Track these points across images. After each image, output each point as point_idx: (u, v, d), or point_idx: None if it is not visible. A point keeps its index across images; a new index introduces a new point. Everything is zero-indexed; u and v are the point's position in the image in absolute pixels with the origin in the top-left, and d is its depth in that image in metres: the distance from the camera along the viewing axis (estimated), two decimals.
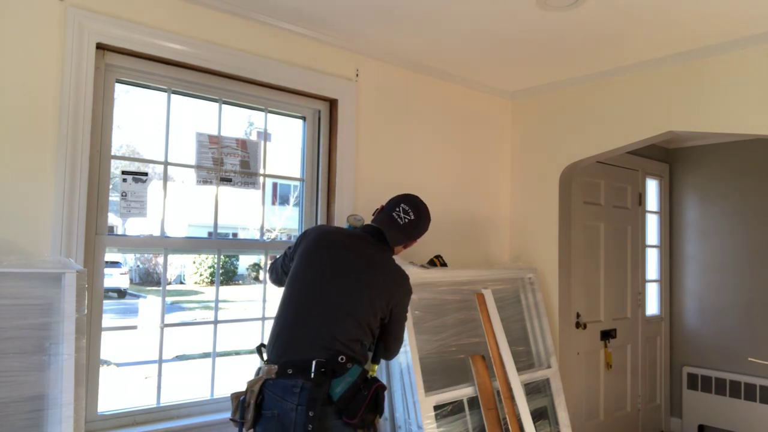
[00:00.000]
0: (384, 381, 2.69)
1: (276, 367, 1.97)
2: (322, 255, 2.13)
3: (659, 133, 3.16)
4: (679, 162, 4.87)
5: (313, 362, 1.93)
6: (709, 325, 4.60)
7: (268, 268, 2.48)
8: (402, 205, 2.25)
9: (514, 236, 3.83)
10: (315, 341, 1.99)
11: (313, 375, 1.91)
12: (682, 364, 4.75)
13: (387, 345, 2.22)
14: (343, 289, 2.06)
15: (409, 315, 2.69)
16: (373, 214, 2.33)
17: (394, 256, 2.27)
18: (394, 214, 2.23)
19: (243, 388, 2.06)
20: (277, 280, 2.37)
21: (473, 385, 2.86)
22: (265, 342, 2.14)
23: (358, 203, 3.05)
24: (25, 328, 1.85)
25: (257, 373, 2.07)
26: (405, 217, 2.22)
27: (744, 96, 2.84)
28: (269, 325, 2.96)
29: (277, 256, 2.42)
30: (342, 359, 1.97)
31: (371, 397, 1.96)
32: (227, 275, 17.84)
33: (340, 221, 2.95)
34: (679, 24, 2.69)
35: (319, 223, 2.99)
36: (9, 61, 2.05)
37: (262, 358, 2.10)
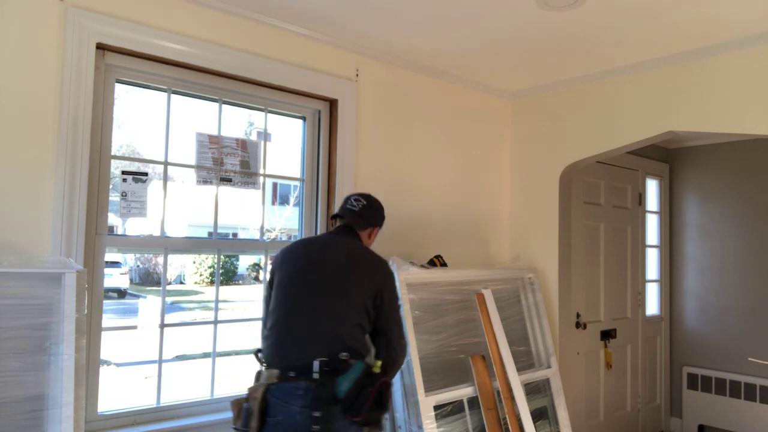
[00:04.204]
0: None
1: (277, 371, 1.95)
2: (299, 258, 2.15)
3: (659, 133, 3.16)
4: (679, 162, 4.87)
5: (315, 362, 1.91)
6: (709, 325, 4.60)
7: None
8: (350, 198, 2.36)
9: (514, 236, 3.83)
10: (315, 340, 1.97)
11: (317, 375, 1.89)
12: (682, 364, 4.75)
13: (388, 338, 2.13)
14: (332, 280, 2.07)
15: (408, 313, 2.70)
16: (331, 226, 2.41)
17: None
18: (347, 206, 2.33)
19: (241, 392, 2.04)
20: (264, 317, 2.27)
21: (473, 385, 2.86)
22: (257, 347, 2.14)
23: None
24: (25, 328, 1.85)
25: (257, 379, 2.05)
26: (357, 204, 2.32)
27: (744, 96, 2.84)
28: None
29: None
30: (344, 356, 1.94)
31: (375, 393, 1.92)
32: (227, 275, 17.85)
33: None
34: (679, 24, 2.69)
35: (318, 222, 2.99)
36: (9, 60, 2.06)
37: (261, 363, 2.06)
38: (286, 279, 2.11)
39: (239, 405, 1.99)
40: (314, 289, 2.05)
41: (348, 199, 2.36)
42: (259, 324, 2.85)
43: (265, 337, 2.09)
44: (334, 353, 1.94)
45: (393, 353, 2.14)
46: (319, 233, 2.99)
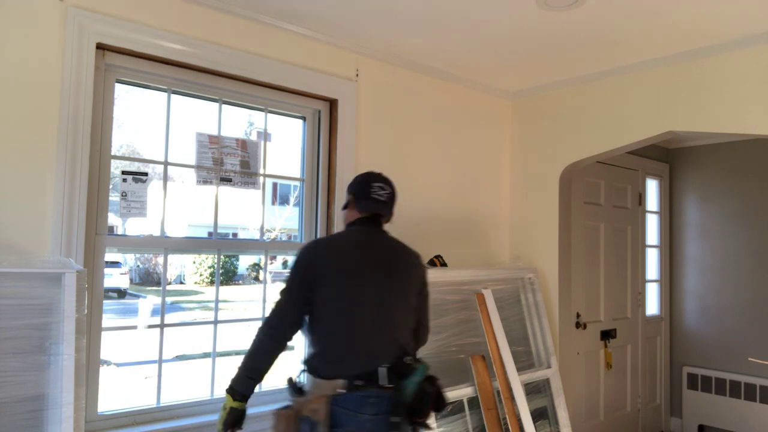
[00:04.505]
0: None
1: (342, 381, 1.89)
2: (350, 263, 2.02)
3: (659, 133, 3.16)
4: (679, 162, 4.87)
5: (381, 369, 1.91)
6: (709, 325, 4.60)
7: (266, 326, 2.03)
8: (373, 184, 2.15)
9: (514, 236, 3.83)
10: (379, 347, 1.97)
11: (386, 382, 1.90)
12: (682, 364, 4.75)
13: (421, 330, 2.19)
14: (389, 286, 2.04)
15: None
16: (344, 208, 2.20)
17: None
18: (373, 195, 2.13)
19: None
20: (290, 323, 2.02)
21: (473, 385, 2.86)
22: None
23: None
24: (25, 328, 1.85)
25: (295, 390, 1.98)
26: (384, 194, 2.15)
27: (744, 96, 2.84)
28: None
29: (273, 307, 2.05)
30: (409, 360, 1.98)
31: (437, 394, 1.99)
32: (227, 275, 17.85)
33: (340, 221, 2.95)
34: (679, 24, 2.69)
35: (318, 223, 2.98)
36: (9, 61, 2.06)
37: (317, 374, 1.96)
38: (340, 287, 1.98)
39: (290, 419, 1.91)
40: (373, 296, 1.99)
41: (370, 185, 2.14)
42: (259, 324, 2.86)
43: (320, 346, 1.98)
44: (398, 358, 1.97)
45: (422, 341, 2.25)
46: (332, 231, 2.98)
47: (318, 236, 2.98)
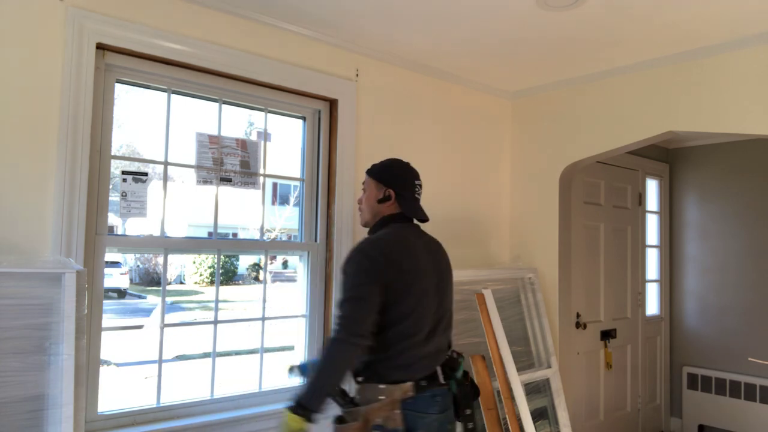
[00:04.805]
0: None
1: (410, 384, 1.89)
2: (417, 266, 1.98)
3: (659, 133, 3.16)
4: (679, 162, 4.87)
5: (439, 368, 1.99)
6: (709, 325, 4.60)
7: (346, 334, 1.83)
8: (416, 183, 2.12)
9: (514, 236, 3.83)
10: (440, 348, 2.03)
11: (442, 378, 1.98)
12: (682, 364, 4.75)
13: None
14: (446, 289, 2.10)
15: None
16: (381, 201, 2.09)
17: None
18: (416, 195, 2.12)
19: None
20: (371, 328, 1.86)
21: None
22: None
23: None
24: (25, 328, 1.86)
25: (348, 400, 1.94)
26: (420, 191, 2.15)
27: (744, 96, 2.84)
28: (269, 325, 2.96)
29: (348, 314, 1.86)
30: (455, 354, 2.08)
31: (472, 385, 2.10)
32: (227, 275, 17.85)
33: (340, 221, 2.96)
34: (679, 24, 2.69)
35: (318, 223, 2.98)
36: (9, 61, 2.05)
37: (382, 380, 1.90)
38: (409, 289, 1.93)
39: (362, 431, 1.83)
40: (434, 297, 2.02)
41: (414, 183, 2.11)
42: (259, 324, 2.86)
43: (387, 349, 1.91)
44: (449, 354, 2.08)
45: None
46: (332, 232, 2.98)
47: (317, 235, 2.98)
